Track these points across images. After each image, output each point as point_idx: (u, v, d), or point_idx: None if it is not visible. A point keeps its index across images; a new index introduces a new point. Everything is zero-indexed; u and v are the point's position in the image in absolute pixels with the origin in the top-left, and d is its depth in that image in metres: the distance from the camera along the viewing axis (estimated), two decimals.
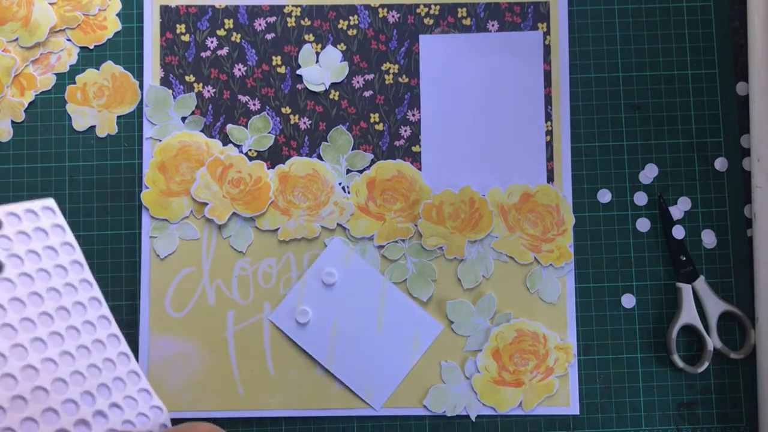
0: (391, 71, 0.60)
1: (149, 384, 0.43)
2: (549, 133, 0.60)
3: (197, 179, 0.58)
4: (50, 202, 0.43)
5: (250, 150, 0.59)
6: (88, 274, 0.43)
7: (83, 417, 0.39)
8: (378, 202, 0.59)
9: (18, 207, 0.42)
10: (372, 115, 0.59)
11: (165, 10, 0.59)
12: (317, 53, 0.60)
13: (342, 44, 0.60)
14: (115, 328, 0.43)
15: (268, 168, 0.59)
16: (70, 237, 0.43)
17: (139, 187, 0.58)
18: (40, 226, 0.42)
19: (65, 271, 0.42)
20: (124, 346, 0.43)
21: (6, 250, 0.40)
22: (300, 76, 0.59)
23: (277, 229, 0.58)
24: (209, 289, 0.58)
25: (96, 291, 0.43)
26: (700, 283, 0.58)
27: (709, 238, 0.59)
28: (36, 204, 0.43)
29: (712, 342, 0.58)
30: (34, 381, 0.38)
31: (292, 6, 0.60)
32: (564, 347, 0.58)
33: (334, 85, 0.60)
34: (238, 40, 0.59)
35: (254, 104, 0.59)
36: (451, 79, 0.60)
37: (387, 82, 0.60)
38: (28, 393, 0.38)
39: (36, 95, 0.59)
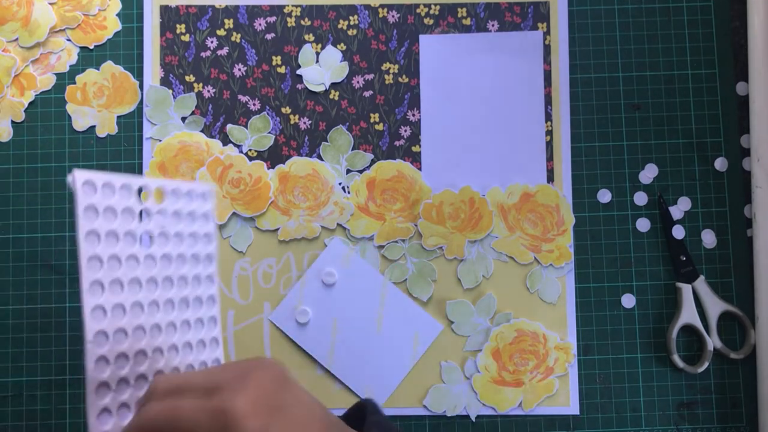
0: (391, 71, 0.60)
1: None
2: (549, 133, 0.59)
3: (197, 179, 0.58)
4: (211, 188, 0.43)
5: (250, 150, 0.59)
6: (214, 269, 0.43)
7: None
8: (378, 202, 0.59)
9: (183, 185, 0.41)
10: (372, 115, 0.59)
11: (165, 10, 0.59)
12: (317, 53, 0.60)
13: (342, 44, 0.60)
14: (218, 332, 0.43)
15: (268, 168, 0.59)
16: (212, 228, 0.43)
17: None
18: (193, 210, 0.42)
19: (197, 261, 0.42)
20: (221, 353, 0.43)
21: (161, 227, 0.40)
22: (300, 76, 0.59)
23: (277, 229, 0.58)
24: None
25: (215, 288, 0.43)
26: (700, 283, 0.58)
27: (709, 238, 0.59)
28: (198, 187, 0.42)
29: (712, 342, 0.58)
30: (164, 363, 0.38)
31: (292, 6, 0.60)
32: (564, 347, 0.58)
33: (334, 85, 0.60)
34: (238, 40, 0.59)
35: (254, 104, 0.59)
36: (451, 79, 0.60)
37: (387, 82, 0.60)
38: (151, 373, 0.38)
39: (36, 95, 0.59)
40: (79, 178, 0.35)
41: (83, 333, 0.35)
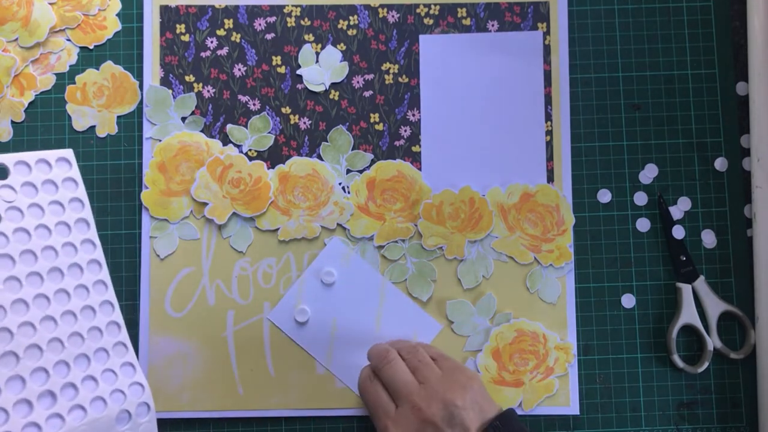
0: (391, 71, 0.60)
1: (135, 358, 0.41)
2: (549, 133, 0.59)
3: (197, 179, 0.58)
4: (68, 153, 0.41)
5: (250, 150, 0.59)
6: (93, 234, 0.41)
7: (71, 381, 0.37)
8: (378, 202, 0.59)
9: (30, 156, 0.39)
10: (372, 115, 0.59)
11: (165, 10, 0.59)
12: (317, 53, 0.60)
13: (342, 44, 0.60)
14: (111, 295, 0.40)
15: (268, 168, 0.59)
16: (81, 192, 0.41)
17: (139, 187, 0.58)
18: (50, 178, 0.39)
19: (68, 228, 0.40)
20: (117, 315, 0.41)
21: (7, 202, 0.38)
22: (300, 76, 0.59)
23: (277, 229, 0.58)
24: (209, 290, 0.58)
25: (98, 253, 0.41)
26: (700, 283, 0.58)
27: (709, 238, 0.59)
28: (51, 154, 0.40)
29: (712, 342, 0.58)
30: (29, 338, 0.36)
31: (292, 6, 0.60)
32: (564, 347, 0.58)
33: (334, 85, 0.60)
34: (238, 40, 0.59)
35: (254, 104, 0.59)
36: (451, 79, 0.60)
37: (387, 82, 0.60)
38: (22, 351, 0.36)
39: (36, 95, 0.59)
40: None
41: None
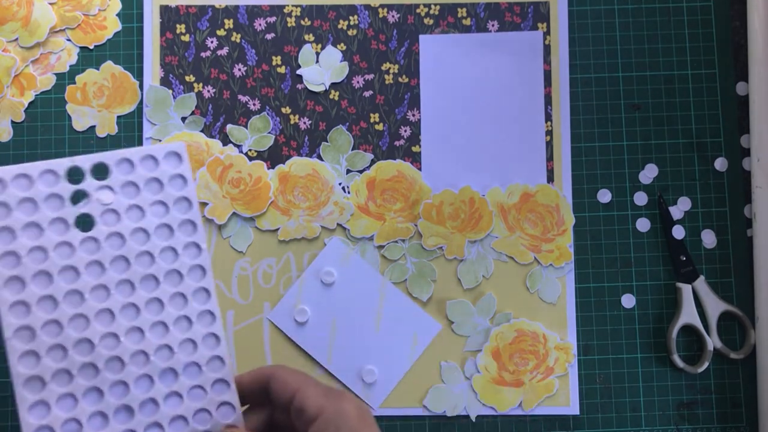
0: (391, 71, 0.60)
1: (231, 376, 0.39)
2: (549, 133, 0.59)
3: (197, 179, 0.58)
4: (179, 146, 0.37)
5: (250, 150, 0.59)
6: (200, 236, 0.37)
7: (154, 397, 0.36)
8: (378, 202, 0.59)
9: (136, 152, 0.36)
10: (372, 115, 0.59)
11: (165, 10, 0.59)
12: (317, 53, 0.60)
13: (342, 44, 0.60)
14: (213, 304, 0.38)
15: (268, 168, 0.59)
16: (190, 191, 0.37)
17: None
18: (156, 176, 0.37)
19: (170, 231, 0.37)
20: (217, 327, 0.39)
21: (104, 205, 0.36)
22: (300, 76, 0.59)
23: (277, 229, 0.58)
24: None
25: (204, 258, 0.37)
26: (700, 283, 0.58)
27: (709, 238, 0.59)
28: (160, 149, 0.37)
29: (712, 342, 0.58)
30: (112, 350, 0.35)
31: (292, 6, 0.60)
32: (564, 347, 0.58)
33: (334, 85, 0.60)
34: (238, 40, 0.59)
35: (254, 104, 0.59)
36: (451, 79, 0.60)
37: (387, 82, 0.60)
38: (102, 361, 0.35)
39: (36, 95, 0.59)
40: None
41: (1, 331, 0.34)
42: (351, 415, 0.35)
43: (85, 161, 0.36)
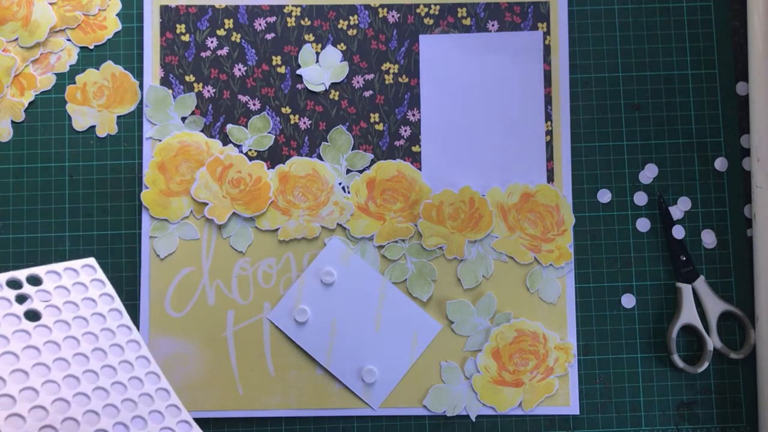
0: (391, 71, 0.60)
1: (189, 415, 0.44)
2: (549, 133, 0.60)
3: (197, 179, 0.58)
4: (91, 261, 0.46)
5: (250, 150, 0.59)
6: (127, 320, 0.45)
7: None
8: (378, 202, 0.59)
9: (59, 266, 0.45)
10: (372, 115, 0.59)
11: (165, 10, 0.59)
12: (317, 53, 0.60)
13: (342, 44, 0.60)
14: (154, 366, 0.45)
15: (268, 168, 0.59)
16: (110, 289, 0.46)
17: (139, 187, 0.58)
18: (79, 281, 0.45)
19: (103, 318, 0.44)
20: (164, 383, 0.45)
21: (45, 302, 0.43)
22: (300, 76, 0.59)
23: (277, 229, 0.58)
24: (209, 289, 0.58)
25: (135, 334, 0.45)
26: (700, 283, 0.58)
27: (709, 238, 0.59)
28: (76, 263, 0.45)
29: (712, 342, 0.58)
30: (65, 413, 0.40)
31: (292, 6, 0.60)
32: (564, 347, 0.58)
33: (334, 85, 0.60)
34: (238, 40, 0.59)
35: (254, 104, 0.59)
36: (451, 79, 0.60)
37: (387, 82, 0.60)
38: (58, 424, 0.39)
39: (36, 95, 0.59)
40: None
41: None
42: None
43: (20, 274, 0.43)
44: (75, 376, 0.41)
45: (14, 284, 0.43)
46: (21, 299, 0.43)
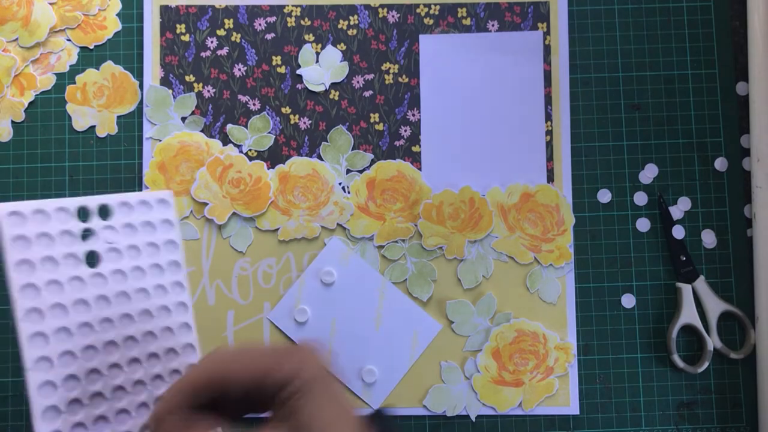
0: (391, 71, 0.60)
1: None
2: (549, 133, 0.59)
3: (197, 179, 0.58)
4: (167, 194, 0.43)
5: (250, 150, 0.59)
6: (182, 275, 0.43)
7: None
8: (378, 202, 0.59)
9: (133, 197, 0.41)
10: (372, 115, 0.59)
11: (165, 10, 0.59)
12: (317, 53, 0.60)
13: (342, 44, 0.60)
14: (193, 339, 0.43)
15: (268, 168, 0.59)
16: (176, 234, 0.43)
17: (139, 187, 0.58)
18: (150, 219, 0.41)
19: (161, 270, 0.42)
20: (196, 358, 0.43)
21: (109, 243, 0.40)
22: (300, 76, 0.59)
23: (277, 229, 0.58)
24: (209, 289, 0.58)
25: (185, 295, 0.43)
26: (700, 283, 0.58)
27: (709, 238, 0.59)
28: (152, 195, 0.42)
29: (712, 342, 0.58)
30: (110, 381, 0.39)
31: (292, 6, 0.60)
32: (564, 347, 0.58)
33: (334, 85, 0.60)
34: (238, 40, 0.59)
35: (254, 104, 0.59)
36: (451, 79, 0.60)
37: (387, 82, 0.60)
38: (108, 391, 0.38)
39: (36, 95, 0.59)
40: (3, 209, 0.36)
41: (22, 361, 0.36)
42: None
43: (90, 201, 0.40)
44: (115, 341, 0.39)
45: (84, 214, 0.40)
46: (85, 234, 0.40)
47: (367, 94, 0.60)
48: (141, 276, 0.41)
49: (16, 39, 0.59)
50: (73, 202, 0.39)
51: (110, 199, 0.40)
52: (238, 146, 0.59)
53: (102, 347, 0.39)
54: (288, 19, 0.60)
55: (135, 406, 0.39)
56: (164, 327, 0.41)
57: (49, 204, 0.38)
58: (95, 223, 0.40)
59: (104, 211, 0.41)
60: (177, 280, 0.42)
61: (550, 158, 0.59)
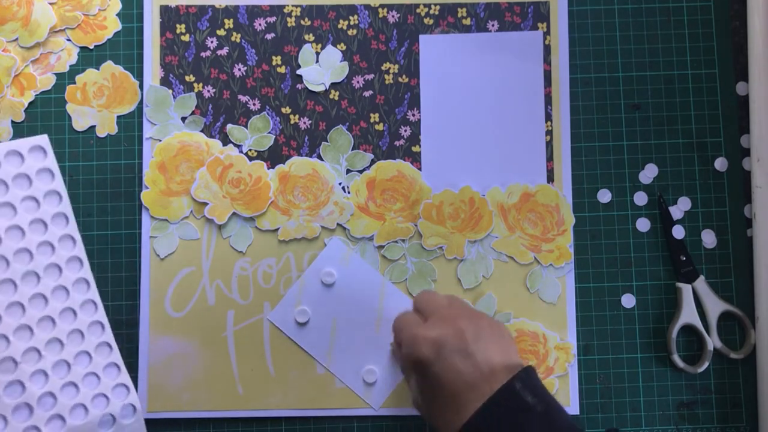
0: (391, 71, 0.60)
1: (120, 359, 0.38)
2: (549, 133, 0.59)
3: (197, 179, 0.58)
4: (43, 139, 0.38)
5: (250, 150, 0.59)
6: (72, 228, 0.38)
7: (51, 390, 0.36)
8: (378, 202, 0.59)
9: (1, 147, 0.37)
10: (372, 115, 0.59)
11: (165, 10, 0.59)
12: (317, 53, 0.60)
13: (342, 44, 0.60)
14: (93, 294, 0.38)
15: (268, 168, 0.59)
16: (58, 184, 0.38)
17: (139, 187, 0.58)
18: (23, 171, 0.37)
19: (44, 226, 0.37)
20: (101, 315, 0.39)
21: None
22: (300, 76, 0.59)
23: (277, 229, 0.58)
24: (209, 289, 0.58)
25: (79, 249, 0.38)
26: (700, 283, 0.58)
27: (709, 238, 0.59)
28: (24, 143, 0.38)
29: (712, 342, 0.58)
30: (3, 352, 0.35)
31: (292, 6, 0.60)
32: (564, 347, 0.58)
33: (334, 85, 0.60)
34: (238, 40, 0.59)
35: (254, 104, 0.59)
36: (451, 79, 0.60)
37: (387, 82, 0.60)
38: None
39: (36, 95, 0.59)
40: None
41: None
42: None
43: None
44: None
45: None
46: None
47: (367, 94, 0.60)
48: (20, 236, 0.36)
49: (16, 39, 0.59)
50: None
51: None
52: (238, 146, 0.59)
53: None
54: (288, 19, 0.60)
55: (27, 376, 0.35)
56: (56, 286, 0.37)
57: None
58: None
59: None
60: (66, 234, 0.38)
61: (550, 158, 0.59)
